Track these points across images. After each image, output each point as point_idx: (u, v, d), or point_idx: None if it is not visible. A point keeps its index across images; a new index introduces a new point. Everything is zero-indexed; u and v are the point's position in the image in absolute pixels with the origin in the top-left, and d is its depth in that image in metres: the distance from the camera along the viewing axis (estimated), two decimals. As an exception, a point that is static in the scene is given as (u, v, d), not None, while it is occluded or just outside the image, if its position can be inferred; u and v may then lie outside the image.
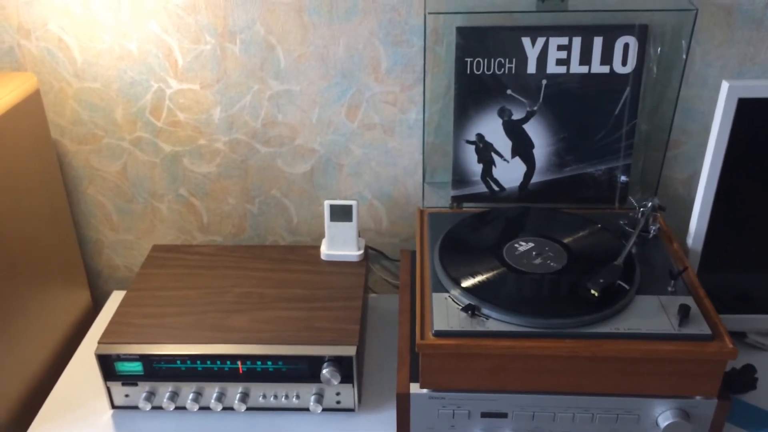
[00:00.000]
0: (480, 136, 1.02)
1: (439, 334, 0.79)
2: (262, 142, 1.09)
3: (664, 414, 0.81)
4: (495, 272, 0.87)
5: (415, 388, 0.83)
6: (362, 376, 0.98)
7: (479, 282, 0.85)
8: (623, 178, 1.04)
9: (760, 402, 0.93)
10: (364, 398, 0.95)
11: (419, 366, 0.81)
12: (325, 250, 1.07)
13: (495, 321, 0.80)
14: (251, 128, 1.08)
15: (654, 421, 0.82)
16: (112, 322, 0.94)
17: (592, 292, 0.81)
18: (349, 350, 0.89)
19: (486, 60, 0.97)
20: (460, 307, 0.81)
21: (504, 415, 0.83)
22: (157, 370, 0.90)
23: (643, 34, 0.95)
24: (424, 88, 1.01)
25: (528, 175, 1.04)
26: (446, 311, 0.82)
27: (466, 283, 0.84)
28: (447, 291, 0.85)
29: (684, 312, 0.79)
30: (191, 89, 1.05)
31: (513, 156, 1.03)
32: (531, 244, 0.92)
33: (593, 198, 1.05)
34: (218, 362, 0.90)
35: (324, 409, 0.92)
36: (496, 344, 0.78)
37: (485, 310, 0.81)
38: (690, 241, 0.95)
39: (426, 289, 0.87)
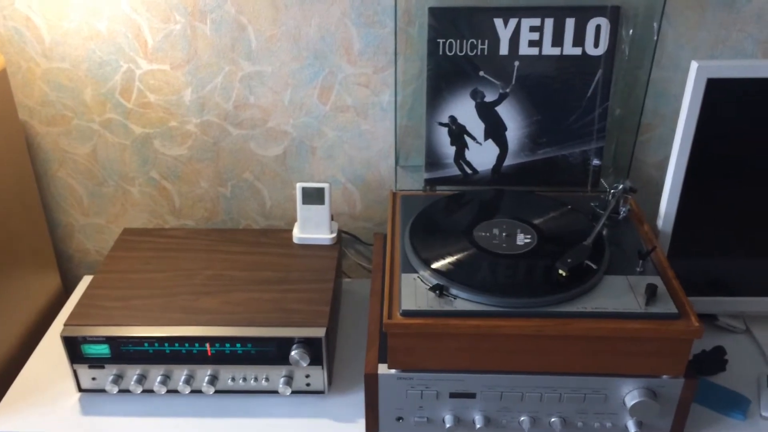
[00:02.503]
0: (453, 119, 1.02)
1: (407, 313, 0.79)
2: (234, 124, 1.08)
3: (631, 393, 0.81)
4: (464, 253, 0.86)
5: (383, 368, 0.82)
6: (333, 358, 0.97)
7: (448, 262, 0.84)
8: (596, 161, 1.03)
9: (730, 384, 0.93)
10: (334, 381, 0.95)
11: (387, 346, 0.81)
12: (298, 234, 1.06)
13: (462, 301, 0.80)
14: (223, 110, 1.07)
15: (621, 401, 0.82)
16: (79, 305, 0.93)
17: (560, 272, 0.81)
18: (319, 332, 0.88)
19: (458, 41, 0.97)
20: (428, 287, 0.81)
21: (472, 396, 0.83)
22: (124, 352, 0.89)
23: (615, 15, 0.95)
24: (396, 70, 1.01)
25: (501, 157, 1.04)
26: (415, 291, 0.81)
27: (435, 263, 0.84)
28: (416, 272, 0.85)
29: (651, 291, 0.79)
30: (161, 70, 1.04)
31: (486, 138, 1.03)
32: (501, 226, 0.91)
33: (566, 181, 1.05)
34: (186, 344, 0.89)
35: (293, 392, 0.91)
36: (463, 323, 0.78)
37: (453, 290, 0.81)
38: (660, 222, 0.95)
39: (395, 270, 0.86)
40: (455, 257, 0.85)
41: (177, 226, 1.18)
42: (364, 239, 1.18)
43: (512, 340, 0.79)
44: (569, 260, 0.82)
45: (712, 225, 0.95)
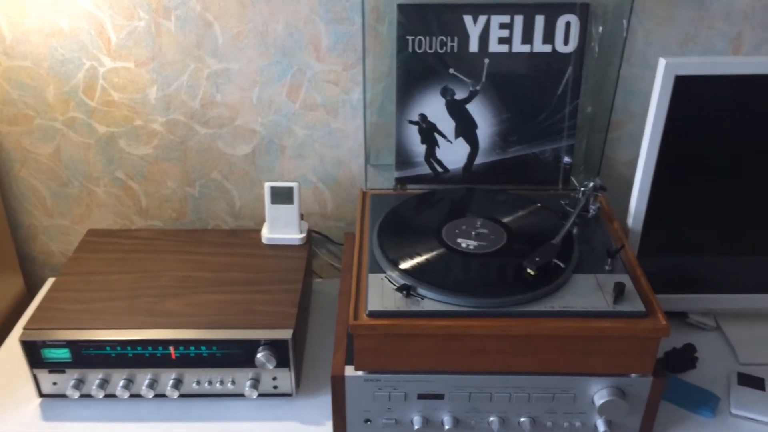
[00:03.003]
0: (423, 117, 1.01)
1: (373, 314, 0.77)
2: (201, 122, 1.06)
3: (600, 392, 0.81)
4: (431, 252, 0.85)
5: (350, 370, 0.81)
6: (301, 360, 0.96)
7: (415, 262, 0.83)
8: (566, 159, 1.03)
9: (700, 381, 0.93)
10: (303, 383, 0.93)
11: (354, 347, 0.79)
12: (267, 234, 1.04)
13: (430, 301, 0.79)
14: (189, 108, 1.05)
15: (590, 400, 0.81)
16: (39, 308, 0.90)
17: (528, 270, 0.80)
18: (285, 333, 0.87)
19: (428, 38, 0.96)
20: (395, 287, 0.80)
21: (441, 397, 0.82)
22: (85, 356, 0.87)
23: (584, 12, 0.94)
24: (364, 68, 0.99)
25: (471, 156, 1.03)
26: (381, 292, 0.80)
27: (402, 263, 0.83)
28: (384, 272, 0.83)
29: (619, 290, 0.79)
30: (125, 67, 1.02)
31: (456, 137, 1.02)
32: (471, 225, 0.90)
33: (537, 179, 1.04)
34: (149, 348, 0.87)
35: (260, 395, 0.90)
36: (430, 324, 0.77)
37: (421, 290, 0.80)
38: (630, 221, 0.94)
39: (363, 270, 0.85)
40: (423, 257, 0.84)
41: (144, 226, 1.16)
42: (335, 239, 1.16)
43: (480, 340, 0.78)
44: (537, 259, 0.81)
45: (681, 222, 0.95)
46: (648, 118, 0.88)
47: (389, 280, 0.82)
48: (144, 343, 0.86)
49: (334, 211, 1.15)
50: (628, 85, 1.03)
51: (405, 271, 0.82)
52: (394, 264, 0.83)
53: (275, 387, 0.90)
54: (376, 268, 0.84)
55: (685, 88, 0.85)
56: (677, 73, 0.84)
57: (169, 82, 1.03)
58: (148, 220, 1.15)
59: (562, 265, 0.81)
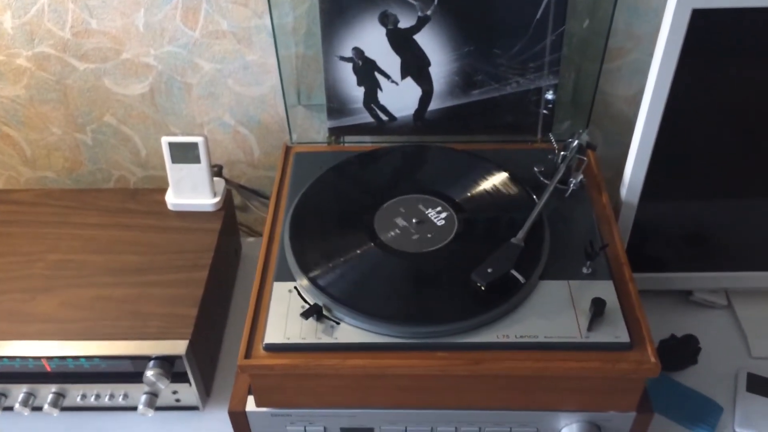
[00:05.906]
0: (358, 51, 0.76)
1: (271, 348, 0.59)
2: (78, 56, 0.83)
3: (569, 427, 0.64)
4: (354, 253, 0.65)
5: (254, 403, 0.64)
6: (215, 362, 0.79)
7: (331, 269, 0.64)
8: (548, 96, 0.80)
9: (701, 381, 0.75)
10: (218, 387, 0.77)
11: (251, 385, 0.62)
12: (172, 199, 0.84)
13: (348, 327, 0.60)
14: (59, 39, 0.81)
15: (556, 435, 0.65)
16: None
17: (479, 285, 0.61)
18: (179, 347, 0.69)
19: (360, -57, 0.70)
20: (302, 311, 0.61)
21: (370, 430, 0.66)
22: (-63, 373, 0.70)
23: None
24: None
25: (424, 100, 0.80)
26: (287, 312, 0.62)
27: (314, 270, 0.64)
28: (294, 279, 0.64)
29: (597, 309, 0.59)
30: (-36, -12, 0.77)
31: (403, 76, 0.78)
32: (412, 206, 0.70)
33: (509, 128, 0.81)
34: (18, 360, 0.70)
35: (161, 407, 0.74)
36: (344, 363, 0.58)
37: (338, 312, 0.61)
38: (624, 191, 0.73)
39: (268, 274, 0.66)
40: (341, 260, 0.65)
41: (34, 178, 0.96)
42: (267, 192, 0.96)
43: (411, 378, 0.60)
44: (489, 270, 0.61)
45: (689, 188, 0.74)
46: (652, 63, 0.64)
47: (299, 293, 0.63)
48: (9, 357, 0.69)
49: (262, 158, 0.94)
50: (632, 0, 0.77)
51: (316, 283, 0.62)
52: (305, 271, 0.64)
53: (177, 400, 0.74)
54: (285, 274, 0.65)
55: (703, 25, 0.61)
56: (695, 6, 0.59)
57: (25, 7, 0.78)
58: (37, 170, 0.95)
59: (521, 279, 0.61)
